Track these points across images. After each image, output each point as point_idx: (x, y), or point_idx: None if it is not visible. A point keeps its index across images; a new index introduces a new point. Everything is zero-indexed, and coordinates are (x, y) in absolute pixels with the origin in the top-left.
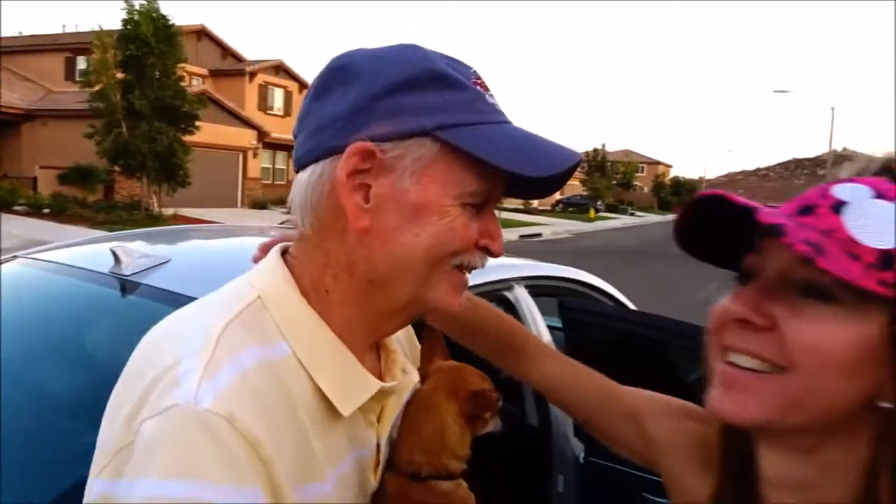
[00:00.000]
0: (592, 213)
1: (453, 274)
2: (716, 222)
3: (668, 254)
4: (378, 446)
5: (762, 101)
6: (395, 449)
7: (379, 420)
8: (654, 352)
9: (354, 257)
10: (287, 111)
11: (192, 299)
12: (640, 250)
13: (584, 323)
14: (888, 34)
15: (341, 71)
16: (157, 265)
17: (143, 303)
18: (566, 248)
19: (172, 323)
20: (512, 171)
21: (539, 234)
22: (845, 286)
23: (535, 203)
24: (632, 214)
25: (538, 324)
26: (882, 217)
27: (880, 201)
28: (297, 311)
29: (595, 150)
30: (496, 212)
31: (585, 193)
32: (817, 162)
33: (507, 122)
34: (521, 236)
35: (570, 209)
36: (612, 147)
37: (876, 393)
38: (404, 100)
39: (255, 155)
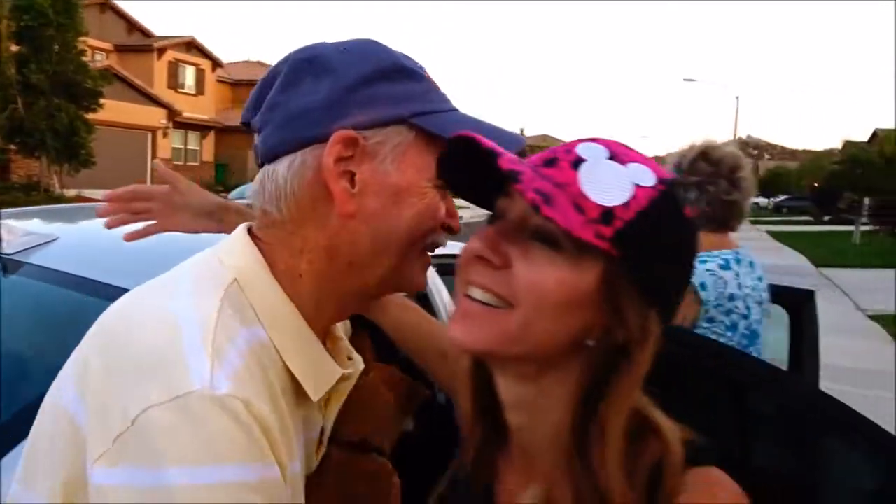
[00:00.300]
0: None
1: (423, 254)
2: (476, 164)
3: None
4: (322, 429)
5: (673, 89)
6: (341, 424)
7: (326, 404)
8: None
9: (337, 241)
10: (199, 90)
11: (81, 279)
12: None
13: None
14: (787, 26)
15: (308, 63)
16: (42, 244)
17: (26, 283)
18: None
19: (144, 303)
20: None
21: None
22: (568, 236)
23: None
24: None
25: (444, 301)
26: (611, 177)
27: (613, 163)
28: (273, 296)
29: None
30: None
31: None
32: None
33: (457, 110)
34: None
35: None
36: (530, 131)
37: (586, 334)
38: (378, 90)
39: (165, 135)
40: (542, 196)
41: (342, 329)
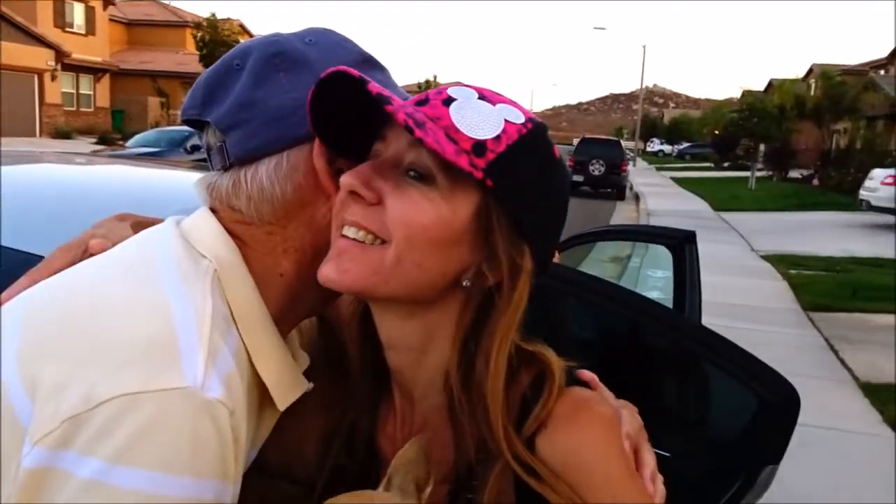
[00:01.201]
0: None
1: None
2: (349, 110)
3: None
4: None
5: (583, 38)
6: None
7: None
8: None
9: (325, 240)
10: (90, 29)
11: None
12: None
13: None
14: None
15: (279, 58)
16: None
17: None
18: None
19: (120, 285)
20: None
21: None
22: (443, 166)
23: None
24: None
25: None
26: (481, 113)
27: (483, 102)
28: (250, 295)
29: (427, 82)
30: None
31: None
32: (632, 97)
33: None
34: None
35: None
36: (443, 78)
37: (461, 273)
38: None
39: (53, 78)
40: (415, 121)
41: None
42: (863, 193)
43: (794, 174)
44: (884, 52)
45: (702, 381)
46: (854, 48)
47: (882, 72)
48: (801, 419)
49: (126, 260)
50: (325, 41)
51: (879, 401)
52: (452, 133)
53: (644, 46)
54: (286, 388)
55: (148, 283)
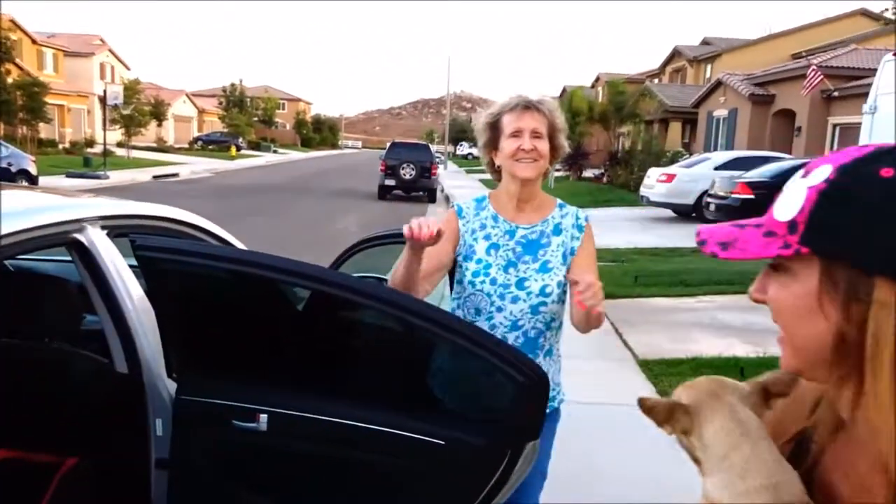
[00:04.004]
0: (234, 150)
1: None
2: None
3: (311, 190)
4: None
5: (394, 43)
6: None
7: None
8: (241, 285)
9: None
10: None
11: None
12: (285, 187)
13: (160, 260)
14: None
15: None
16: None
17: None
18: (205, 188)
19: None
20: None
21: (176, 174)
22: (783, 258)
23: (169, 141)
24: (275, 152)
25: (118, 267)
26: (792, 192)
27: (798, 179)
28: None
29: (232, 85)
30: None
31: (226, 130)
32: (441, 102)
33: None
34: (155, 177)
35: (210, 147)
36: (249, 83)
37: (843, 329)
38: None
39: None
40: (720, 245)
41: None
42: (643, 190)
43: (589, 174)
44: (656, 64)
45: (471, 374)
46: (632, 59)
47: (656, 80)
48: (593, 398)
49: None
50: None
51: (654, 374)
52: (771, 227)
53: (449, 57)
54: None
55: None
